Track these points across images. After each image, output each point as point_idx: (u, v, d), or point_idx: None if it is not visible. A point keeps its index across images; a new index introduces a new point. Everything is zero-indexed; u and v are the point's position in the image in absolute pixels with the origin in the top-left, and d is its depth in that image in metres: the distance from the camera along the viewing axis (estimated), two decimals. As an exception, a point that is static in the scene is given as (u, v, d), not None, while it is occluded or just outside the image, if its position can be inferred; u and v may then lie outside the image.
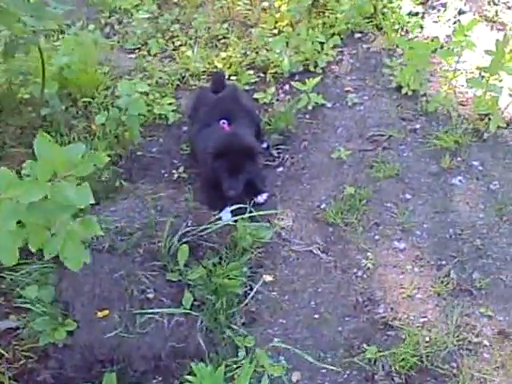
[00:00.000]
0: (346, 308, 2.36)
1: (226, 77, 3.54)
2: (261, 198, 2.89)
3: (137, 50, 3.91)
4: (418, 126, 3.00)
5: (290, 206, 2.83)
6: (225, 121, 2.93)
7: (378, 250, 2.52)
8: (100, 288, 2.34)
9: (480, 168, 2.77)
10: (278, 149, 3.16)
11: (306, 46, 3.34)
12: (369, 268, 2.46)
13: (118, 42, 4.01)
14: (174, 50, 3.83)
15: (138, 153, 3.18)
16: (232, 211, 2.73)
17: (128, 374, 2.26)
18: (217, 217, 2.67)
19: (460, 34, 2.72)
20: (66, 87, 3.36)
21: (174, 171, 3.08)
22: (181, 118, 3.32)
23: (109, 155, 3.07)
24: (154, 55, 3.80)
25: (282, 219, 2.76)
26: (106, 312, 2.30)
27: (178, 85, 3.56)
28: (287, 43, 3.47)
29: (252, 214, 2.62)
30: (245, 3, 3.91)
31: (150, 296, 2.34)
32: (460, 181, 2.73)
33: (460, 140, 2.86)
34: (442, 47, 2.91)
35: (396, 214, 2.63)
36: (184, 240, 2.47)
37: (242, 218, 2.62)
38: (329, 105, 3.28)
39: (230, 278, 2.44)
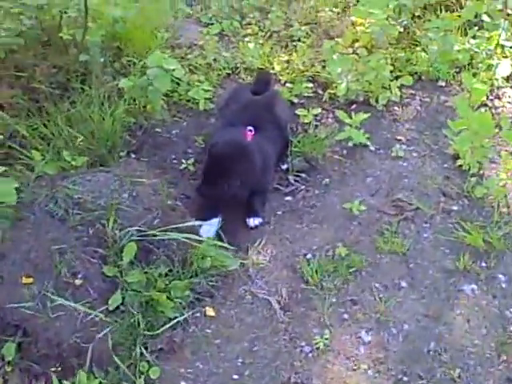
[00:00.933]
0: (272, 383, 2.01)
1: (282, 82, 3.25)
2: (253, 222, 2.60)
3: (210, 26, 3.71)
4: (454, 208, 2.51)
5: (276, 242, 2.50)
6: (252, 128, 2.66)
7: (338, 332, 2.13)
8: (35, 253, 2.18)
9: (504, 285, 2.24)
10: (297, 175, 2.82)
11: (370, 75, 2.92)
12: (319, 348, 2.08)
13: (198, 12, 3.84)
14: (243, 36, 3.58)
15: (157, 129, 2.99)
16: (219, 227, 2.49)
17: (31, 351, 2.10)
18: (196, 225, 2.43)
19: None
20: (117, 40, 3.24)
21: (183, 160, 2.86)
22: (213, 108, 3.07)
23: (127, 122, 2.95)
24: (221, 36, 3.57)
25: (260, 253, 2.44)
26: (30, 280, 2.14)
27: (228, 73, 3.31)
28: (356, 67, 3.07)
29: (222, 244, 2.34)
30: (332, 11, 3.54)
31: (78, 282, 2.15)
32: (472, 290, 2.23)
33: (495, 243, 2.34)
34: (510, 127, 2.38)
35: (380, 299, 2.20)
36: (138, 238, 2.24)
37: (211, 238, 2.35)
38: (372, 148, 2.86)
39: (168, 297, 2.19)
